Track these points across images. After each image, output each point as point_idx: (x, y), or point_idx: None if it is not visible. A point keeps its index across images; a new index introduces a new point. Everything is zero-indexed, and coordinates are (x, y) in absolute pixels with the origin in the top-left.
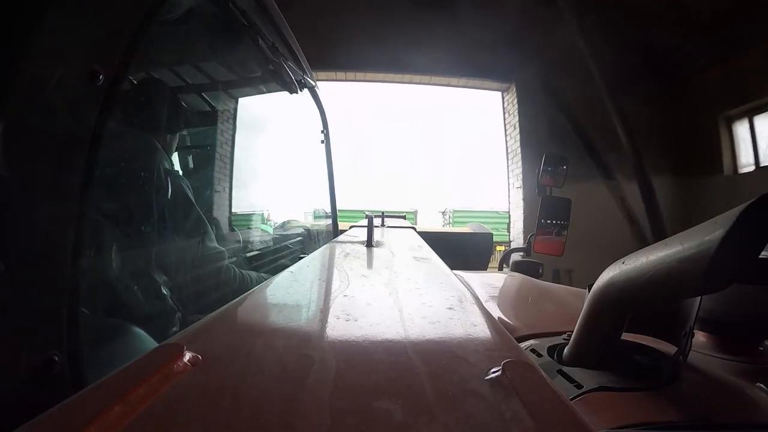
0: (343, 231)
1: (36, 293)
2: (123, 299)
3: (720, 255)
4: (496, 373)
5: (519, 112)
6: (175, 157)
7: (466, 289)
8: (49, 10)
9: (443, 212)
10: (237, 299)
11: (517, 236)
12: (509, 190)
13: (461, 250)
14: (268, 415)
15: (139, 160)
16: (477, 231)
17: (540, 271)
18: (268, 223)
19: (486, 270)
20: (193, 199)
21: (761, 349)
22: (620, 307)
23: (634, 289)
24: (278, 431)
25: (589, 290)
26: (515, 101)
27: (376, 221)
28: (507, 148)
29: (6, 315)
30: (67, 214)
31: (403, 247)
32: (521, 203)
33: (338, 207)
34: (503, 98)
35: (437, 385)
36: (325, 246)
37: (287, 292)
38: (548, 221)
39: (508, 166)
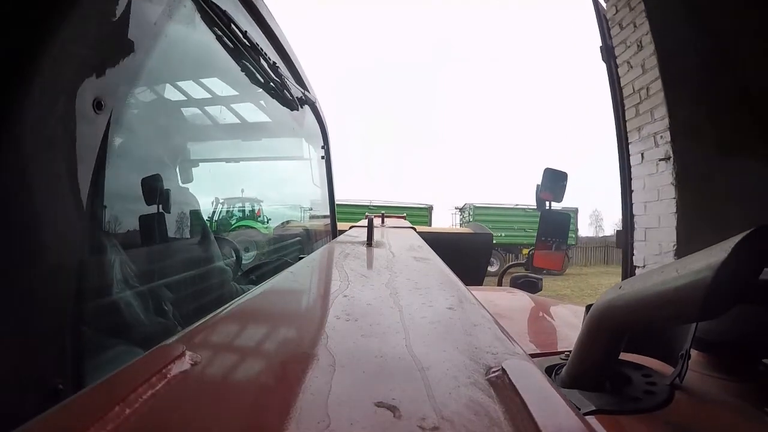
0: (342, 231)
1: (40, 322)
2: (127, 320)
3: (716, 284)
4: (496, 373)
5: (651, 21)
6: (179, 170)
7: (466, 289)
8: (55, 46)
9: (461, 208)
10: (237, 300)
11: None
12: (625, 160)
13: (459, 252)
14: (268, 415)
15: (147, 181)
16: (477, 231)
17: (539, 285)
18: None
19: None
20: (202, 216)
21: (758, 368)
22: (618, 330)
23: (631, 313)
24: (278, 431)
25: (587, 311)
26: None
27: (376, 221)
28: (616, 91)
29: (10, 349)
30: (73, 236)
31: (403, 248)
32: (665, 183)
33: (347, 202)
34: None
35: (437, 384)
36: (325, 246)
37: (287, 292)
38: (548, 236)
39: (621, 120)
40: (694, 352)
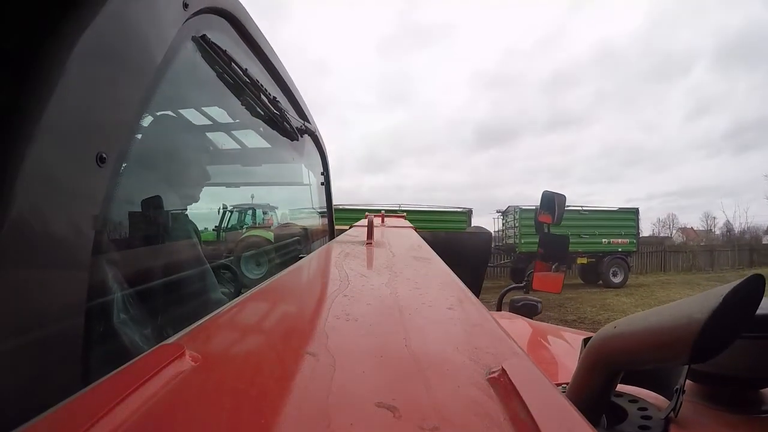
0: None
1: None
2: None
3: (707, 331)
4: (496, 373)
5: None
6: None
7: (467, 289)
8: (59, 102)
9: (504, 212)
10: (237, 299)
11: None
12: None
13: (458, 253)
14: (268, 415)
15: (151, 219)
16: (476, 231)
17: (539, 309)
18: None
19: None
20: (200, 248)
21: (754, 399)
22: (612, 369)
23: (625, 353)
24: (278, 431)
25: (584, 345)
26: None
27: (376, 221)
28: None
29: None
30: (79, 280)
31: (402, 247)
32: None
33: (368, 206)
34: None
35: (437, 384)
36: (325, 246)
37: (287, 292)
38: (548, 259)
39: None
40: (690, 383)
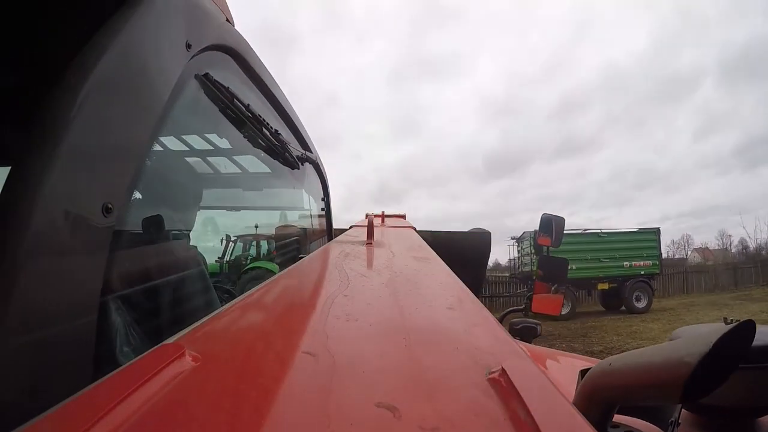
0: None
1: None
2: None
3: (697, 373)
4: (496, 373)
5: None
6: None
7: (467, 289)
8: (68, 155)
9: (518, 239)
10: (237, 300)
11: None
12: None
13: (457, 252)
14: (268, 415)
15: (156, 258)
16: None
17: (538, 331)
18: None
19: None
20: (207, 275)
21: (749, 429)
22: (607, 405)
23: (620, 389)
24: (278, 431)
25: (581, 376)
26: None
27: (376, 221)
28: None
29: None
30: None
31: (402, 247)
32: None
33: None
34: None
35: (438, 384)
36: (325, 246)
37: (287, 292)
38: (546, 280)
39: None
40: (685, 413)
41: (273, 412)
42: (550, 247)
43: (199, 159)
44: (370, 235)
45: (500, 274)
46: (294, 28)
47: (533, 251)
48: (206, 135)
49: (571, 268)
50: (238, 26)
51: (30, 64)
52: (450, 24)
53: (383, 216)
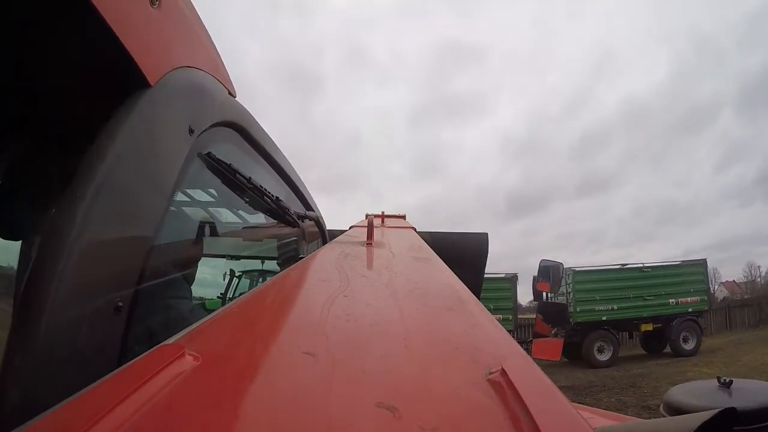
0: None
1: None
2: None
3: None
4: (496, 373)
5: None
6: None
7: (467, 289)
8: (76, 260)
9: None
10: (237, 300)
11: None
12: None
13: (454, 254)
14: (268, 415)
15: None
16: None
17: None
18: None
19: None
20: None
21: None
22: None
23: None
24: (278, 431)
25: None
26: None
27: (376, 221)
28: None
29: None
30: None
31: (402, 248)
32: None
33: None
34: None
35: (438, 384)
36: (325, 246)
37: (287, 292)
38: (546, 325)
39: None
40: None
41: (273, 413)
42: (549, 293)
43: (206, 223)
44: (370, 235)
45: (529, 316)
46: (318, 69)
47: (570, 290)
48: (210, 209)
49: (612, 308)
50: (264, 65)
51: (41, 167)
52: (471, 65)
53: (383, 216)
